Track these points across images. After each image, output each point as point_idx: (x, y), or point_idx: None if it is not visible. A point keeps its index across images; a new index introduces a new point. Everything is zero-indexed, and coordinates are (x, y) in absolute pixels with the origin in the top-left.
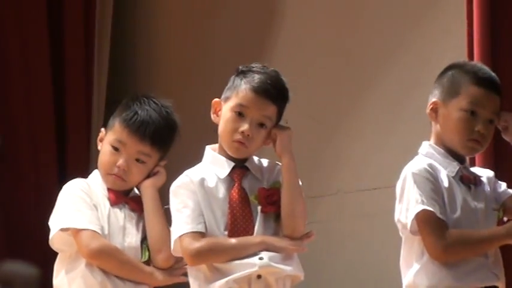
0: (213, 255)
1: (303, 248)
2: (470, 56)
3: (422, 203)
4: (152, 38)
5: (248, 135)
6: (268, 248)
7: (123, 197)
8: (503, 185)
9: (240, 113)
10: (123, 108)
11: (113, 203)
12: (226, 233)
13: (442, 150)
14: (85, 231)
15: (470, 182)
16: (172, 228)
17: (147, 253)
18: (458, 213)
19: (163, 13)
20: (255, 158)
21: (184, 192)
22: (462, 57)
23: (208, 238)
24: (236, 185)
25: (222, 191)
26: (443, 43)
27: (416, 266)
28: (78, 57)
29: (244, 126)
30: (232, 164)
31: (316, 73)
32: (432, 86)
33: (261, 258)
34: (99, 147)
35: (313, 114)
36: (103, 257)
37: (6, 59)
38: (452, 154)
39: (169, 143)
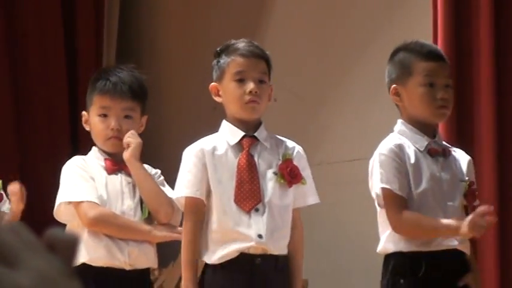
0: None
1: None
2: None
3: (382, 181)
4: (154, 20)
5: (256, 91)
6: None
7: (119, 163)
8: (473, 175)
9: (240, 80)
10: (94, 83)
11: (110, 171)
12: (232, 197)
13: (412, 127)
14: (83, 203)
15: (438, 154)
16: (175, 188)
17: (146, 211)
18: (423, 185)
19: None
20: (265, 131)
21: (192, 158)
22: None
23: (196, 217)
24: (244, 151)
25: (231, 157)
26: (421, 25)
27: (386, 233)
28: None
29: (250, 86)
30: (243, 133)
31: (300, 55)
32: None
33: (260, 236)
34: (87, 129)
35: (299, 92)
36: (101, 223)
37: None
38: (422, 129)
39: (145, 94)
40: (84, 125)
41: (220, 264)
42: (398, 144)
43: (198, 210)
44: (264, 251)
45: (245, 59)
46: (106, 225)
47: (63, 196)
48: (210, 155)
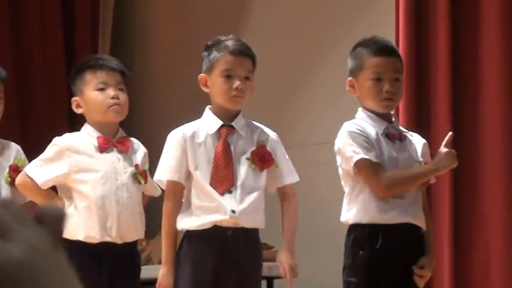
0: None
1: None
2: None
3: (356, 153)
4: (146, 12)
5: (241, 88)
6: None
7: (110, 140)
8: (427, 156)
9: (228, 76)
10: (84, 66)
11: (102, 149)
12: (208, 179)
13: (371, 114)
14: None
15: (395, 137)
16: (157, 170)
17: (142, 180)
18: (385, 163)
19: None
20: (243, 120)
21: (174, 144)
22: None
23: (174, 198)
24: (221, 139)
25: (209, 145)
26: (386, 21)
27: (349, 204)
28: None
29: (236, 83)
30: (221, 122)
31: (278, 47)
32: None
33: (233, 211)
34: (79, 111)
35: (276, 81)
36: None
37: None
38: (379, 115)
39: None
40: (76, 109)
41: (196, 234)
42: (360, 124)
43: (177, 192)
44: (235, 224)
45: (234, 57)
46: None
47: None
48: (190, 142)
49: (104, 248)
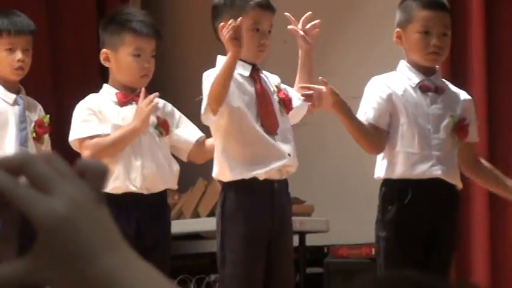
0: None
1: None
2: None
3: (360, 110)
4: None
5: (267, 44)
6: None
7: (130, 95)
8: (470, 114)
9: (257, 29)
10: (124, 23)
11: (122, 103)
12: (258, 120)
13: (411, 67)
14: (82, 141)
15: (429, 90)
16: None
17: (163, 131)
18: (408, 116)
19: None
20: None
21: None
22: None
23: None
24: (258, 81)
25: (248, 86)
26: None
27: (381, 160)
28: None
29: (263, 39)
30: (251, 66)
31: (309, 2)
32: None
33: (289, 155)
34: (106, 65)
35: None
36: (96, 156)
37: None
38: (420, 69)
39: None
40: (104, 62)
41: (244, 186)
42: (386, 78)
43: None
44: (280, 174)
45: (263, 11)
46: (101, 154)
47: (72, 134)
48: (234, 81)
49: (130, 199)
